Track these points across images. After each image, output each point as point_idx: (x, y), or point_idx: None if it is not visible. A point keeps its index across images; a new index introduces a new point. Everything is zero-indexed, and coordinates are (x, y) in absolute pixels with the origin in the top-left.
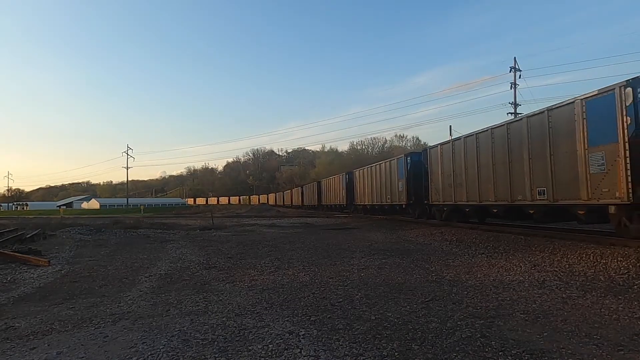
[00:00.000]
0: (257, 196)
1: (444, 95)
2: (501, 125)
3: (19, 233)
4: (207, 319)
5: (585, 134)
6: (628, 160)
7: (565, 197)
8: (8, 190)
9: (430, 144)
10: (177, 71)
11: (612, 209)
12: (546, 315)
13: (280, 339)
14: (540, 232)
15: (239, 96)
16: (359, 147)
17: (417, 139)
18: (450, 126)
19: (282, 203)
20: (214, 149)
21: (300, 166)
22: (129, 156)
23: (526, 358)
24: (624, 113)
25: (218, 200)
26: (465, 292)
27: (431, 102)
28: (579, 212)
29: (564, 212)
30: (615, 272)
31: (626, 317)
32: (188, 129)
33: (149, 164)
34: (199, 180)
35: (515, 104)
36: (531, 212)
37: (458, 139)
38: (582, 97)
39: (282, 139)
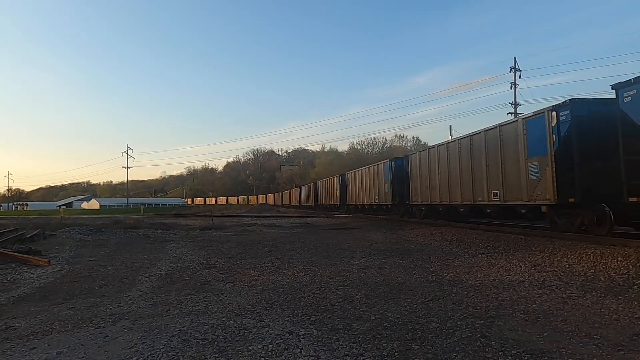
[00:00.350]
0: (257, 196)
1: (444, 95)
2: (465, 137)
3: (19, 233)
4: (207, 319)
5: (525, 147)
6: (554, 170)
7: (512, 199)
8: (8, 190)
9: (430, 144)
10: (177, 71)
11: (543, 208)
12: (546, 315)
13: (280, 339)
14: (540, 232)
15: (239, 96)
16: (359, 147)
17: (417, 139)
18: (450, 126)
19: (281, 203)
20: (214, 149)
21: (300, 166)
22: (129, 156)
23: (526, 358)
24: (551, 132)
25: (218, 201)
26: (465, 292)
27: (431, 102)
28: (522, 210)
29: (513, 210)
30: (615, 272)
31: (626, 317)
32: (188, 129)
33: (149, 164)
34: (199, 180)
35: (515, 104)
36: (488, 211)
37: (433, 147)
38: (523, 117)
39: (282, 139)
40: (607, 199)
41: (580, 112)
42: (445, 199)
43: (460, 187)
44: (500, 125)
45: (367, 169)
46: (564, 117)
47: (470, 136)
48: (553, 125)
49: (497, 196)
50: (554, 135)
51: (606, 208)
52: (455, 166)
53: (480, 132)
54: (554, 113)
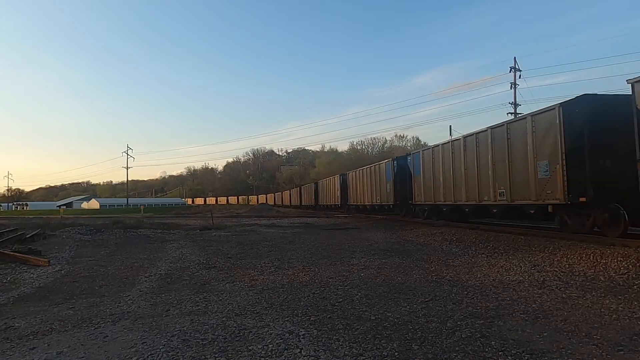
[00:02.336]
0: (257, 196)
1: (444, 95)
2: (471, 135)
3: (18, 233)
4: (207, 319)
5: (534, 144)
6: (565, 168)
7: (520, 198)
8: (8, 190)
9: (430, 143)
10: (177, 71)
11: (550, 208)
12: (546, 315)
13: (280, 339)
14: (540, 232)
15: (239, 96)
16: (359, 147)
17: (417, 139)
18: (450, 126)
19: (281, 203)
20: (214, 149)
21: (300, 166)
22: (129, 156)
23: (526, 358)
24: (562, 129)
25: (218, 201)
26: (465, 292)
27: (431, 102)
28: (531, 210)
29: (520, 210)
30: (615, 272)
31: (626, 317)
32: (188, 129)
33: (149, 164)
34: (199, 180)
35: (515, 104)
36: (494, 210)
37: (437, 145)
38: (532, 114)
39: (282, 139)
40: (620, 198)
41: (592, 108)
42: (449, 198)
43: (465, 186)
44: (508, 123)
45: (368, 169)
46: (576, 113)
47: (477, 134)
48: (564, 121)
49: (504, 195)
50: (565, 132)
51: (620, 208)
52: (459, 165)
53: (486, 130)
54: (565, 109)
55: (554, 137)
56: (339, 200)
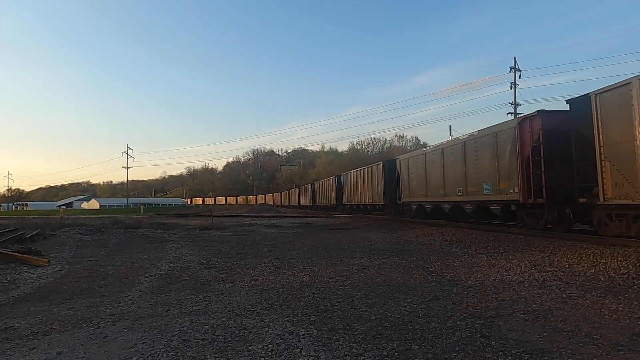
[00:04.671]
0: (257, 196)
1: (445, 95)
2: (448, 145)
3: (19, 233)
4: (207, 319)
5: (498, 153)
6: (524, 174)
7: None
8: (8, 190)
9: (430, 144)
10: (177, 71)
11: (513, 207)
12: (546, 315)
13: (280, 339)
14: (540, 232)
15: (240, 96)
16: (359, 147)
17: (417, 139)
18: (450, 126)
19: (281, 203)
20: (214, 149)
21: (300, 166)
22: (129, 156)
23: (526, 358)
24: (520, 141)
25: (218, 201)
26: (465, 292)
27: (432, 102)
28: (496, 207)
29: (487, 209)
30: (615, 272)
31: (626, 317)
32: (188, 129)
33: (149, 164)
34: (199, 180)
35: (515, 104)
36: (468, 207)
37: (420, 152)
38: (496, 129)
39: (282, 139)
40: (566, 200)
41: (546, 123)
42: (431, 197)
43: (444, 187)
44: (477, 137)
45: (361, 171)
46: (533, 127)
47: (453, 145)
48: (523, 134)
49: (475, 195)
50: (523, 144)
51: (567, 208)
52: (439, 170)
53: (462, 142)
54: (523, 123)
55: (514, 148)
56: (335, 200)
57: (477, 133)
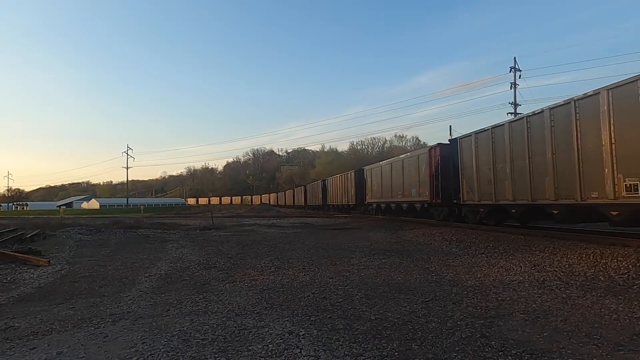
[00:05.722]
0: (256, 196)
1: (445, 95)
2: (396, 160)
3: (18, 233)
4: (207, 319)
5: (420, 169)
6: (431, 183)
7: (413, 199)
8: (8, 190)
9: (430, 144)
10: (177, 71)
11: (425, 205)
12: (546, 315)
13: (280, 339)
14: (540, 232)
15: (240, 96)
16: (359, 147)
17: (417, 139)
18: (450, 126)
19: (282, 203)
20: (214, 149)
21: (300, 166)
22: (129, 156)
23: (526, 358)
24: (428, 162)
25: (212, 200)
26: (465, 292)
27: (432, 102)
28: (417, 205)
29: (414, 207)
30: (615, 272)
31: (626, 317)
32: (188, 129)
33: (149, 164)
34: (199, 180)
35: (515, 104)
36: (404, 206)
37: (381, 163)
38: (420, 152)
39: (283, 139)
40: (452, 201)
41: (442, 151)
42: (384, 199)
43: (392, 191)
44: (405, 158)
45: (340, 176)
46: (434, 154)
47: (397, 161)
48: (429, 158)
49: (408, 197)
50: (430, 164)
51: (454, 206)
52: (388, 179)
53: (400, 160)
54: (430, 151)
55: (426, 166)
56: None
57: (409, 154)
